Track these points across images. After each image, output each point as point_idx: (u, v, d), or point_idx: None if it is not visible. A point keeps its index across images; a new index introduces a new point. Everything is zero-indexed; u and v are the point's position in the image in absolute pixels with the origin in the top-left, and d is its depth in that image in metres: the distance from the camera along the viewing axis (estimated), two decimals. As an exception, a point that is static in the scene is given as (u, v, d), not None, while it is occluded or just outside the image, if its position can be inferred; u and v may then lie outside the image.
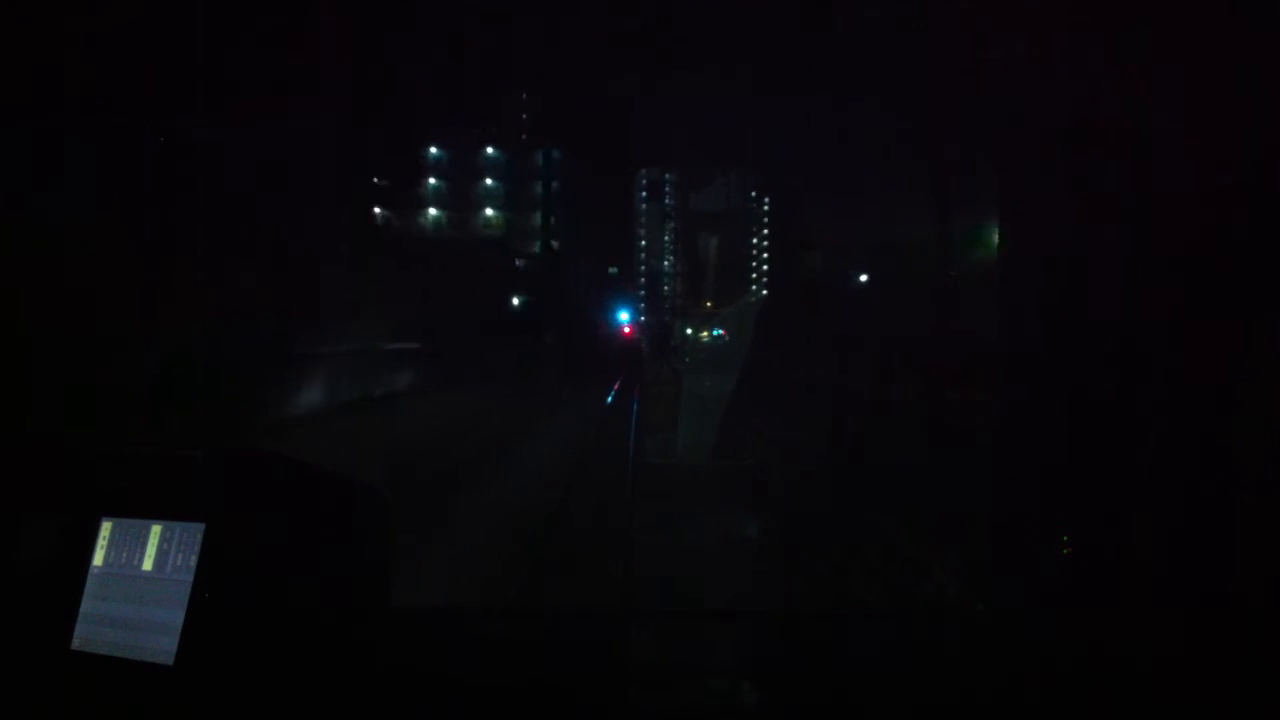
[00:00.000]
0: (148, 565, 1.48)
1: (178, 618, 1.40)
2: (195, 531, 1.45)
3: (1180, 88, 2.08)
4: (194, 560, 1.43)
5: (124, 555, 1.51)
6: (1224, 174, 2.01)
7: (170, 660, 1.38)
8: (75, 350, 2.94)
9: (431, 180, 35.49)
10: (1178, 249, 2.12)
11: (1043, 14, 2.36)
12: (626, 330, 23.29)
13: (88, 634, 1.49)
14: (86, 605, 1.51)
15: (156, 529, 1.49)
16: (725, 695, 1.89)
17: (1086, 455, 2.36)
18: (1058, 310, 2.47)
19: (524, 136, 32.78)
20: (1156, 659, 1.87)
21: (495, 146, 35.42)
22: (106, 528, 1.55)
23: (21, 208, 2.68)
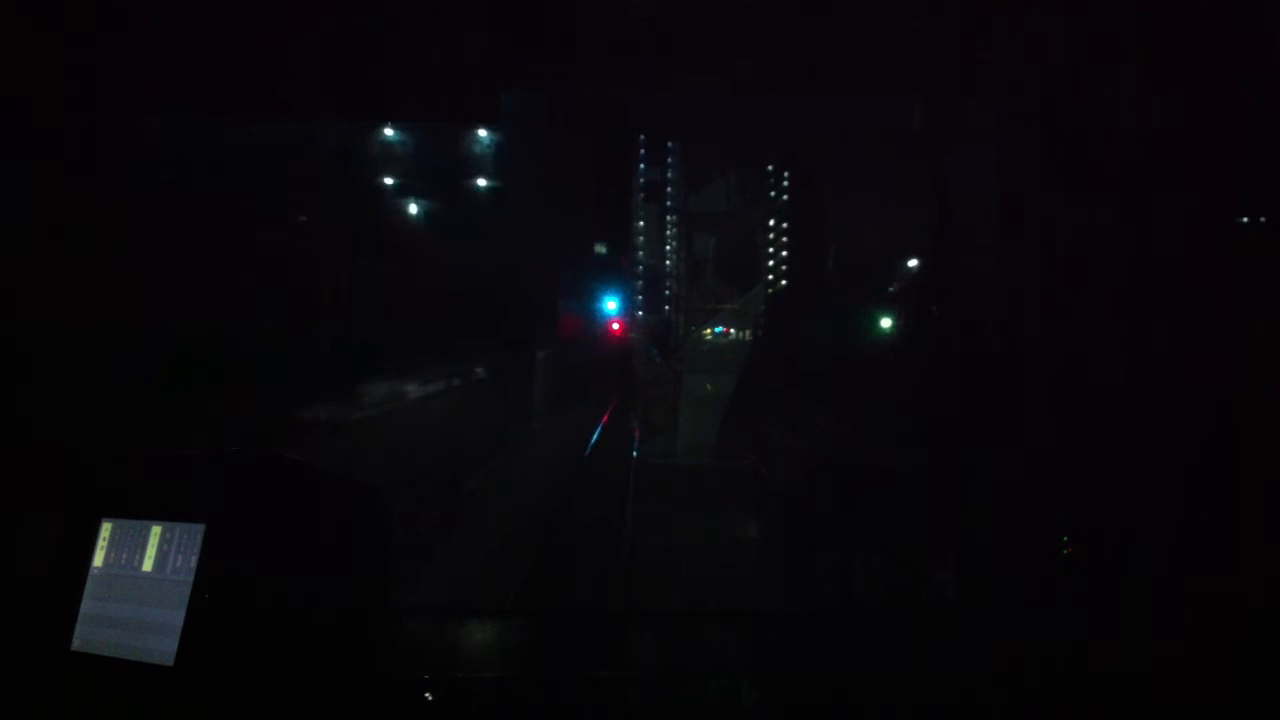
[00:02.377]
0: (148, 566, 1.48)
1: (178, 618, 1.41)
2: (195, 532, 1.45)
3: (1180, 88, 2.07)
4: (194, 561, 1.44)
5: (124, 556, 1.51)
6: (1224, 174, 2.01)
7: (170, 660, 1.39)
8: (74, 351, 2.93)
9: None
10: (1178, 249, 2.11)
11: (1043, 14, 2.36)
12: (616, 327, 17.41)
13: (88, 634, 1.49)
14: (86, 606, 1.51)
15: (156, 530, 1.49)
16: (725, 695, 1.89)
17: (1086, 455, 2.36)
18: (1058, 310, 2.47)
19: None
20: (1156, 659, 1.87)
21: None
22: (106, 528, 1.55)
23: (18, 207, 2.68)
